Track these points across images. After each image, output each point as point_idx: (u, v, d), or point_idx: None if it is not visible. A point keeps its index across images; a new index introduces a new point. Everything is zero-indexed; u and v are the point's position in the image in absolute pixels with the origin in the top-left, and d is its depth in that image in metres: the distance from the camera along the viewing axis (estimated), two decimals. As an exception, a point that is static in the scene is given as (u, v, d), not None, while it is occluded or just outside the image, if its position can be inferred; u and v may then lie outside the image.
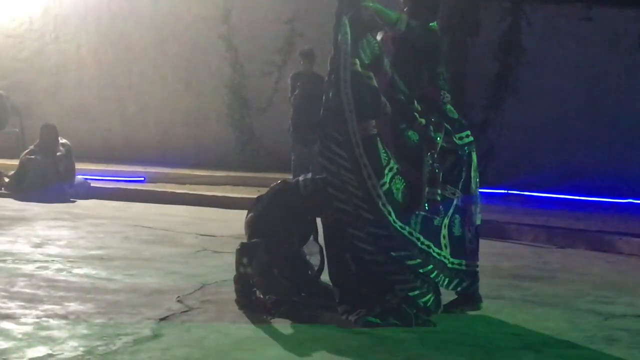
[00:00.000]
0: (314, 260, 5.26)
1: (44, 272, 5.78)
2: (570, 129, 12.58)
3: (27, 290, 5.20)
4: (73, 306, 4.87)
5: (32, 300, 4.95)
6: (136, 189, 10.91)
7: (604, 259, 7.88)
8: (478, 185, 5.28)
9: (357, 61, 4.89)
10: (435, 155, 5.04)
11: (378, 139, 4.89)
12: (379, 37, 5.10)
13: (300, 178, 5.28)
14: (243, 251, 5.03)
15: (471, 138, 5.24)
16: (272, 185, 5.38)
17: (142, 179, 11.76)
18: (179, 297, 5.21)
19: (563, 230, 8.81)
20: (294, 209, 5.12)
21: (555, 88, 12.66)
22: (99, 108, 13.77)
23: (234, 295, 5.06)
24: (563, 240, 8.59)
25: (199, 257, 6.80)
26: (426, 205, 4.98)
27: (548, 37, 12.89)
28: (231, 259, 6.57)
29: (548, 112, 12.69)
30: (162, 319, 4.68)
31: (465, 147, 5.19)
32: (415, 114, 5.06)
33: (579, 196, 10.64)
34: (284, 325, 4.71)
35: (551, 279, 6.66)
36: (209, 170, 12.39)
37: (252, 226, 5.19)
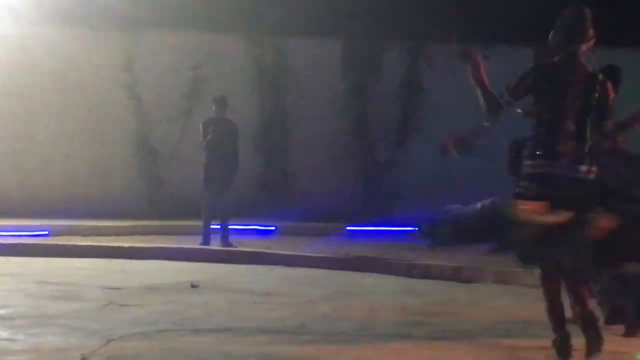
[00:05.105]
0: None
1: (-60, 337, 5.56)
2: (474, 166, 12.88)
3: None
4: (-29, 371, 4.70)
5: None
6: (39, 243, 10.64)
7: (510, 292, 8.05)
8: None
9: None
10: None
11: None
12: None
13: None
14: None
15: None
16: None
17: (46, 232, 11.49)
18: (83, 355, 5.06)
19: (469, 266, 8.97)
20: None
21: (457, 126, 12.98)
22: (-1, 162, 13.44)
23: (140, 350, 4.94)
24: (470, 275, 8.75)
25: (106, 311, 6.65)
26: None
27: (448, 76, 13.24)
28: (139, 312, 6.51)
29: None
30: (65, 379, 4.56)
31: None
32: None
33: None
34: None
35: (459, 314, 6.77)
36: (116, 221, 12.21)
37: None
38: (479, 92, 4.91)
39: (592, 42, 4.84)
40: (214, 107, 10.63)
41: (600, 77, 4.82)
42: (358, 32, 13.72)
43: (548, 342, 4.99)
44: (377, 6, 13.25)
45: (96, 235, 11.45)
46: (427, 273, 8.92)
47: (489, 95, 4.85)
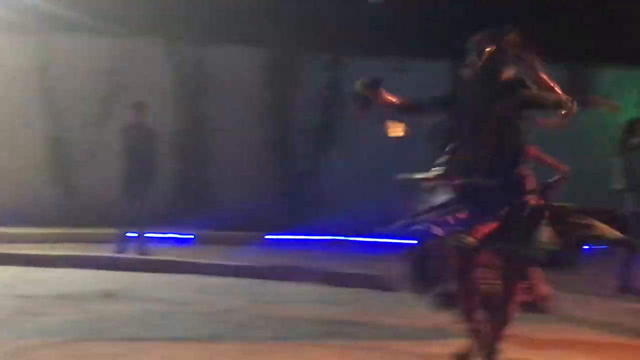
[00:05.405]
0: None
1: None
2: (387, 175, 13.00)
3: None
4: None
5: None
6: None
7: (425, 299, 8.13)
8: None
9: None
10: None
11: None
12: None
13: None
14: None
15: None
16: None
17: (-45, 239, 11.13)
18: (-11, 365, 4.94)
19: (386, 274, 9.03)
20: None
21: (374, 136, 13.12)
22: None
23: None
24: (386, 283, 8.81)
25: (15, 320, 6.48)
26: None
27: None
28: (50, 321, 6.35)
29: (368, 160, 13.09)
30: (-31, 390, 4.41)
31: None
32: None
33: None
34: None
35: (375, 322, 6.81)
36: (29, 228, 11.91)
37: None
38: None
39: None
40: (132, 113, 10.52)
41: None
42: (279, 41, 13.72)
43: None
44: (298, 16, 13.29)
45: (7, 242, 11.12)
46: (344, 282, 8.94)
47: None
